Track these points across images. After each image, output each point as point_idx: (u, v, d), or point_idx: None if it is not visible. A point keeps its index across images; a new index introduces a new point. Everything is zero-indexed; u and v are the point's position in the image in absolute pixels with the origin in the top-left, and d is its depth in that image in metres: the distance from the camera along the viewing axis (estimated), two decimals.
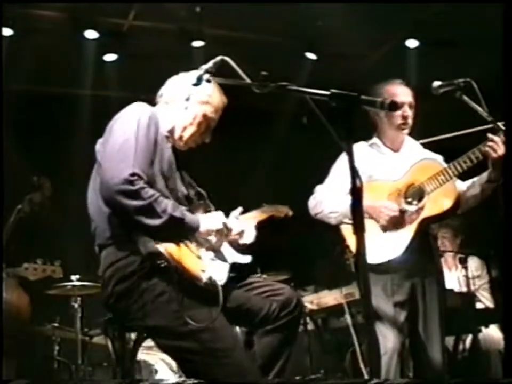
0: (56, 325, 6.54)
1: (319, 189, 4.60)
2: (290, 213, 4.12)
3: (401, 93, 4.48)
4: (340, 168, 4.50)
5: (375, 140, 4.62)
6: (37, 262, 5.03)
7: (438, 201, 4.25)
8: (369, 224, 4.26)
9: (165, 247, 3.19)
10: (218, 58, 3.27)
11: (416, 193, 4.31)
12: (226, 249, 3.53)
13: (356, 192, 2.66)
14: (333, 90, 2.77)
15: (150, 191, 3.20)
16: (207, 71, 3.27)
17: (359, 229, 2.65)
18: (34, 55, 7.16)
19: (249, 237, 3.71)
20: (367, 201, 4.24)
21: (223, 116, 3.71)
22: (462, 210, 4.37)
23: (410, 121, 4.49)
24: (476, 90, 3.93)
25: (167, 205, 3.23)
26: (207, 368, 3.17)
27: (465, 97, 4.01)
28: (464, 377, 4.84)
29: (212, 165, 3.77)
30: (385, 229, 4.31)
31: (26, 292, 5.80)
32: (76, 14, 7.05)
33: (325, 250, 5.98)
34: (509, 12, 3.69)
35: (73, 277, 5.78)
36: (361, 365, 5.83)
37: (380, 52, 7.82)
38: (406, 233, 4.27)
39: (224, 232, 3.43)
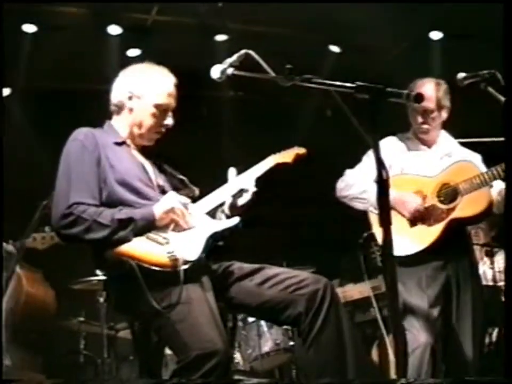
0: (81, 319, 6.58)
1: (349, 172, 4.61)
2: (302, 152, 3.89)
3: (427, 98, 4.42)
4: (372, 156, 4.49)
5: (409, 134, 4.65)
6: (44, 231, 5.02)
7: (470, 205, 4.24)
8: (397, 218, 4.27)
9: (124, 249, 3.27)
10: (242, 52, 3.27)
11: (450, 193, 4.31)
12: (203, 222, 3.50)
13: (382, 185, 2.64)
14: (359, 83, 2.75)
15: (91, 210, 3.31)
16: (231, 65, 3.27)
17: (385, 222, 2.63)
18: (57, 51, 7.20)
19: (244, 197, 3.64)
20: (394, 193, 4.26)
21: (247, 110, 3.70)
22: (499, 211, 4.33)
23: (426, 126, 4.52)
24: (501, 81, 3.89)
25: (113, 213, 3.32)
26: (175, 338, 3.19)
27: (490, 89, 3.97)
28: (490, 371, 4.79)
29: (238, 159, 3.73)
30: (412, 223, 4.31)
31: (52, 286, 5.83)
32: (99, 10, 7.05)
33: (350, 243, 5.96)
34: (509, 11, 3.66)
35: (98, 272, 5.78)
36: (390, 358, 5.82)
37: (403, 45, 7.77)
38: (434, 230, 4.27)
39: (182, 209, 3.40)
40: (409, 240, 4.25)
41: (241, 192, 3.61)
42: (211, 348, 3.02)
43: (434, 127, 4.52)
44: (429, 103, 4.44)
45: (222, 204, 3.65)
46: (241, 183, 3.62)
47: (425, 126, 4.50)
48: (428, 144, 4.58)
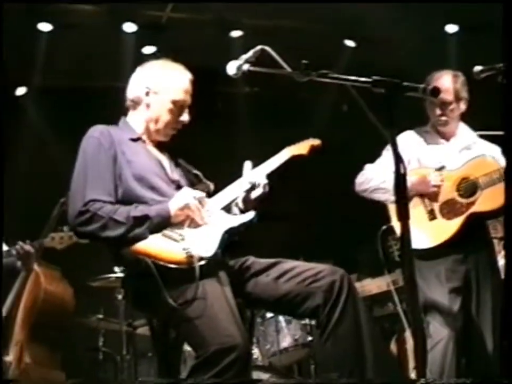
0: (100, 316, 6.59)
1: (368, 167, 4.61)
2: (316, 143, 3.88)
3: (446, 90, 4.45)
4: (385, 155, 4.51)
5: (427, 127, 4.64)
6: (63, 230, 5.03)
7: (490, 199, 4.24)
8: (417, 212, 4.26)
9: (140, 247, 3.28)
10: (258, 48, 3.26)
11: (470, 188, 4.30)
12: (219, 217, 3.49)
13: (400, 179, 2.64)
14: (375, 77, 2.75)
15: (107, 208, 3.32)
16: (247, 61, 3.27)
17: (403, 215, 2.63)
18: (73, 49, 7.22)
19: (257, 191, 3.63)
20: (412, 178, 4.28)
21: (262, 106, 3.70)
22: None
23: (445, 118, 4.51)
24: None
25: (129, 210, 3.33)
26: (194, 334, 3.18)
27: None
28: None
29: (253, 155, 3.73)
30: (432, 216, 4.31)
31: (70, 284, 5.85)
32: (114, 8, 7.06)
33: (367, 237, 5.95)
34: (509, 11, 3.65)
35: (116, 269, 5.79)
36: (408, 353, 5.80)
37: (419, 38, 7.74)
38: (453, 224, 4.27)
39: (197, 205, 3.39)
40: (428, 233, 4.25)
41: (254, 186, 3.61)
42: (230, 342, 3.01)
43: (453, 119, 4.51)
44: (447, 95, 4.43)
45: (235, 198, 3.65)
46: (254, 176, 3.62)
47: (444, 118, 4.49)
48: (447, 137, 4.57)
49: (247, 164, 3.69)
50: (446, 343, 4.14)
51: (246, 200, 3.65)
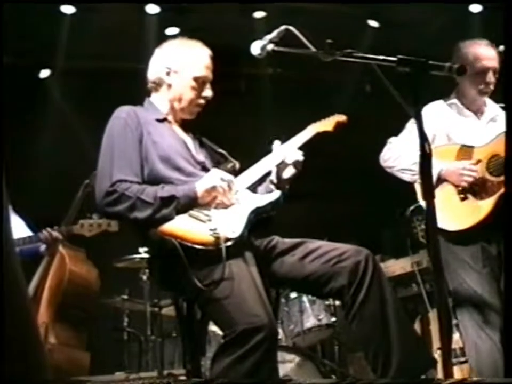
0: (125, 297, 6.63)
1: (394, 141, 4.46)
2: (342, 119, 3.86)
3: (486, 57, 4.31)
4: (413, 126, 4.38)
5: (454, 100, 4.46)
6: (92, 218, 5.04)
7: None
8: (447, 191, 4.17)
9: (167, 228, 3.28)
10: (282, 27, 3.25)
11: (500, 165, 4.07)
12: (245, 197, 3.48)
13: (425, 159, 2.62)
14: (400, 56, 2.72)
15: (134, 188, 3.33)
16: (271, 41, 3.26)
17: (428, 195, 2.61)
18: (96, 32, 7.22)
19: (289, 170, 3.63)
20: (446, 165, 4.17)
21: (285, 87, 3.68)
22: None
23: (492, 87, 4.33)
24: None
25: (156, 190, 3.34)
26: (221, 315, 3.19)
27: None
28: None
29: (278, 134, 3.72)
30: (463, 196, 4.16)
31: (95, 265, 5.87)
32: None
33: (391, 218, 5.93)
34: (509, 11, 3.60)
35: (141, 249, 5.81)
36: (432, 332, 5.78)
37: (443, 18, 7.67)
38: (485, 205, 4.10)
39: (224, 187, 3.38)
40: (459, 214, 4.12)
41: (283, 162, 3.61)
42: (257, 322, 3.01)
43: (492, 91, 4.37)
44: (493, 62, 4.31)
45: (268, 174, 3.65)
46: (283, 153, 3.62)
47: (491, 87, 4.32)
48: (474, 110, 4.43)
49: (277, 143, 3.67)
50: (479, 327, 4.05)
51: (279, 177, 3.65)
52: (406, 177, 4.34)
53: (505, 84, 3.54)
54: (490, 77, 4.30)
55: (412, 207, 4.69)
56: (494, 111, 4.45)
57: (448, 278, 4.13)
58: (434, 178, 3.99)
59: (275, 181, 3.66)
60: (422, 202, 4.13)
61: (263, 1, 7.27)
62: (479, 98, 4.42)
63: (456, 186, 4.17)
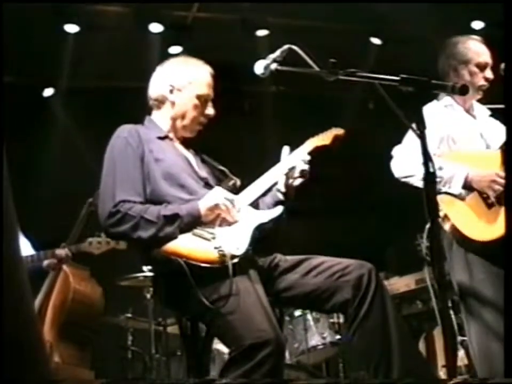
0: (129, 315, 6.62)
1: (401, 149, 4.23)
2: (340, 132, 3.82)
3: (485, 52, 4.27)
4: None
5: (449, 100, 4.33)
6: (100, 235, 5.05)
7: None
8: (475, 199, 3.99)
9: (171, 247, 3.28)
10: (286, 46, 3.27)
11: None
12: (248, 214, 3.48)
13: (430, 177, 2.62)
14: (403, 75, 2.73)
15: (138, 207, 3.33)
16: (274, 60, 3.27)
17: (433, 214, 2.62)
18: (100, 50, 7.25)
19: (297, 179, 3.62)
20: (473, 171, 3.98)
21: (289, 105, 3.70)
22: None
23: (488, 83, 4.24)
24: None
25: (159, 209, 3.34)
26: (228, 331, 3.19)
27: None
28: None
29: (294, 144, 3.73)
30: (491, 204, 3.96)
31: (99, 283, 5.88)
32: (140, 8, 7.10)
33: (395, 235, 5.93)
34: (509, 11, 3.62)
35: (144, 268, 5.81)
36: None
37: (445, 35, 7.69)
38: None
39: (227, 205, 3.38)
40: (487, 224, 3.92)
41: (291, 171, 3.60)
42: (264, 337, 3.01)
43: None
44: (487, 58, 4.26)
45: (274, 184, 3.64)
46: (291, 162, 3.62)
47: (487, 83, 4.24)
48: (467, 110, 4.33)
49: (285, 149, 3.68)
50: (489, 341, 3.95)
51: (287, 185, 3.64)
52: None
53: (505, 83, 3.54)
54: (490, 73, 4.24)
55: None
56: (482, 110, 4.38)
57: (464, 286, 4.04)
58: (461, 183, 3.95)
59: (283, 189, 3.64)
60: (448, 211, 4.01)
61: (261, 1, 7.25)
62: (475, 97, 4.32)
63: (483, 193, 3.98)
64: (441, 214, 4.00)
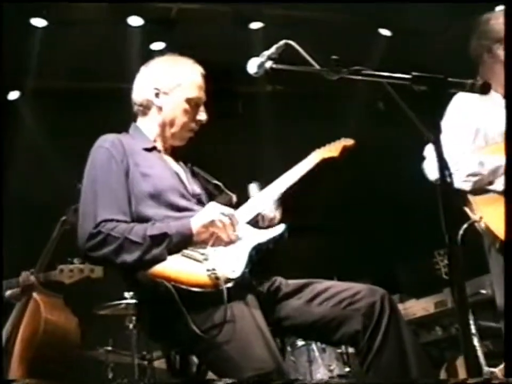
0: (109, 348, 6.61)
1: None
2: (349, 143, 3.88)
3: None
4: (455, 120, 4.17)
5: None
6: (73, 262, 5.04)
7: None
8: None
9: (158, 269, 3.25)
10: (282, 42, 3.27)
11: None
12: (245, 233, 3.47)
13: (446, 188, 2.63)
14: (415, 73, 2.74)
15: (121, 227, 3.30)
16: (269, 58, 3.28)
17: (451, 229, 2.63)
18: (72, 47, 7.25)
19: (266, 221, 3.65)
20: None
21: (287, 106, 3.71)
22: None
23: None
24: None
25: (145, 228, 3.31)
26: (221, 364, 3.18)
27: None
28: None
29: (285, 154, 3.74)
30: None
31: (74, 313, 5.87)
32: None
33: (410, 251, 5.92)
34: (509, 11, 3.64)
35: (126, 294, 5.81)
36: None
37: (458, 26, 7.72)
38: None
39: (224, 221, 3.37)
40: None
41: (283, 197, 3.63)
42: (265, 368, 3.02)
43: None
44: None
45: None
46: (283, 186, 3.64)
47: None
48: (500, 92, 4.20)
49: (253, 187, 3.71)
50: None
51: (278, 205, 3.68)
52: (468, 186, 4.05)
53: (505, 83, 3.54)
54: None
55: (465, 225, 4.36)
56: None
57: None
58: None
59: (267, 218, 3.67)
60: (484, 214, 3.96)
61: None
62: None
63: None
64: (476, 216, 3.99)
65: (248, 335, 3.14)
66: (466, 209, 4.10)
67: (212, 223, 3.35)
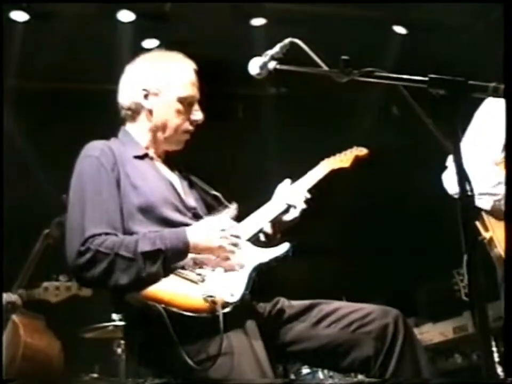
0: (95, 375, 6.59)
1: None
2: (362, 153, 3.87)
3: None
4: (482, 128, 4.24)
5: None
6: (59, 279, 5.02)
7: None
8: None
9: (150, 291, 3.20)
10: (287, 41, 3.27)
11: None
12: (246, 251, 3.43)
13: (467, 203, 2.63)
14: (432, 76, 2.74)
15: (110, 241, 3.24)
16: (273, 58, 3.28)
17: (471, 248, 2.63)
18: (56, 44, 7.25)
19: (292, 213, 3.65)
20: None
21: (292, 110, 3.71)
22: None
23: None
24: None
25: (137, 241, 3.25)
26: None
27: None
28: None
29: (289, 164, 3.74)
30: None
31: (57, 336, 5.87)
32: None
33: (427, 273, 5.91)
34: (509, 11, 3.67)
35: (115, 316, 5.81)
36: None
37: (481, 24, 7.74)
38: None
39: (229, 238, 3.34)
40: None
41: (288, 209, 3.63)
42: None
43: None
44: None
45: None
46: (288, 198, 3.64)
47: None
48: None
49: (286, 182, 3.70)
50: None
51: (275, 222, 3.66)
52: (484, 203, 4.13)
53: (505, 83, 3.55)
54: None
55: (479, 238, 4.34)
56: None
57: None
58: None
59: (268, 228, 3.69)
60: (497, 234, 4.01)
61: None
62: None
63: None
64: (488, 234, 4.05)
65: (246, 370, 3.11)
66: (478, 225, 4.14)
67: (212, 240, 3.32)
